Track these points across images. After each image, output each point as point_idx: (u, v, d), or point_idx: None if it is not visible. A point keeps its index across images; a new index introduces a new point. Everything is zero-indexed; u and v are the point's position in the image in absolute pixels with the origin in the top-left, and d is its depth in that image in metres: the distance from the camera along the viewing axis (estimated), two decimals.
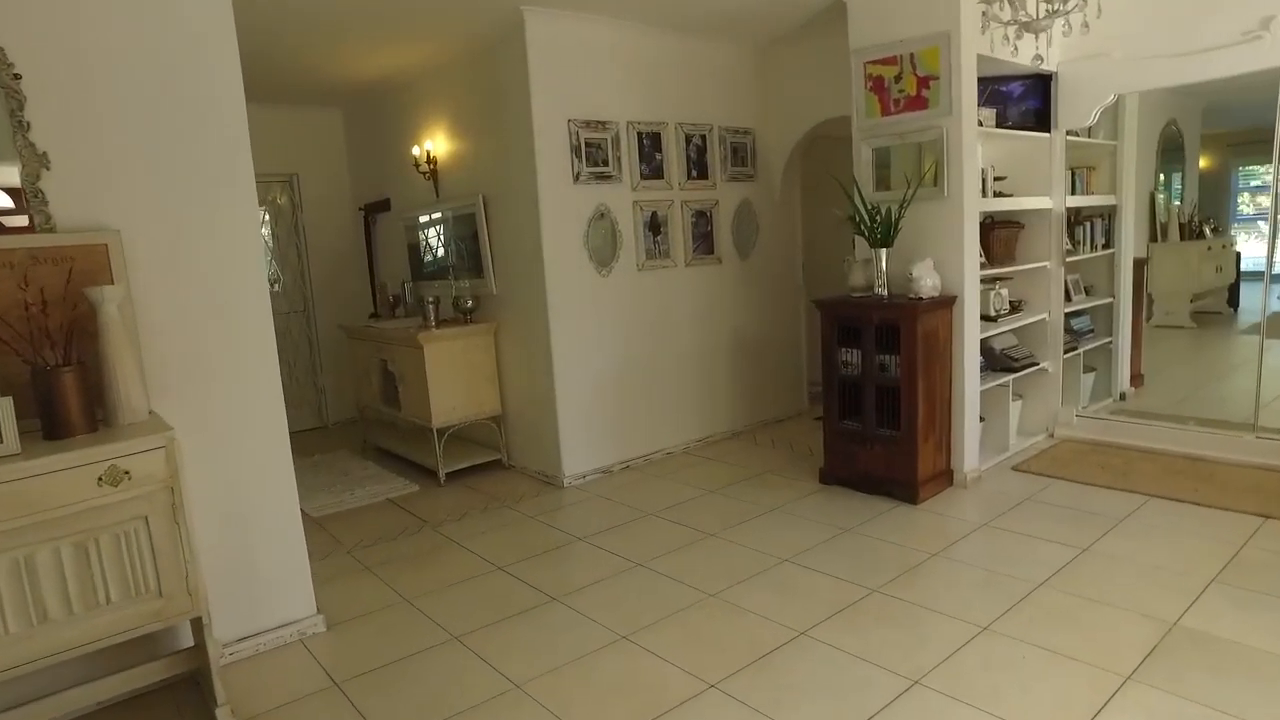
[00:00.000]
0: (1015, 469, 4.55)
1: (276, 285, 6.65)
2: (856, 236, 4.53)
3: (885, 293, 4.16)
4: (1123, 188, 5.42)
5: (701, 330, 5.40)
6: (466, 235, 5.23)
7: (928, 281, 4.05)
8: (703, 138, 5.28)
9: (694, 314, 5.34)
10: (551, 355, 4.64)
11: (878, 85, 4.30)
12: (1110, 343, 5.72)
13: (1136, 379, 5.88)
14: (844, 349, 4.31)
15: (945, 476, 4.28)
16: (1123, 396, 5.91)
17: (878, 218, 4.09)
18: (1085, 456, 4.67)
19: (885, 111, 4.30)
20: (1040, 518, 3.79)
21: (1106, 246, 5.52)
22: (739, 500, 4.34)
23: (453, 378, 4.93)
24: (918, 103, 4.15)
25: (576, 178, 4.64)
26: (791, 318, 6.05)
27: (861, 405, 4.25)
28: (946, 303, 4.11)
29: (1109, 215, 5.57)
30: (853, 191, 4.33)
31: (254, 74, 5.36)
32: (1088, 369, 5.50)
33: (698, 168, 5.26)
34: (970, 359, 4.27)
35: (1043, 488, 4.20)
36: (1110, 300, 5.59)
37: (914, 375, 3.99)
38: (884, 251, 4.12)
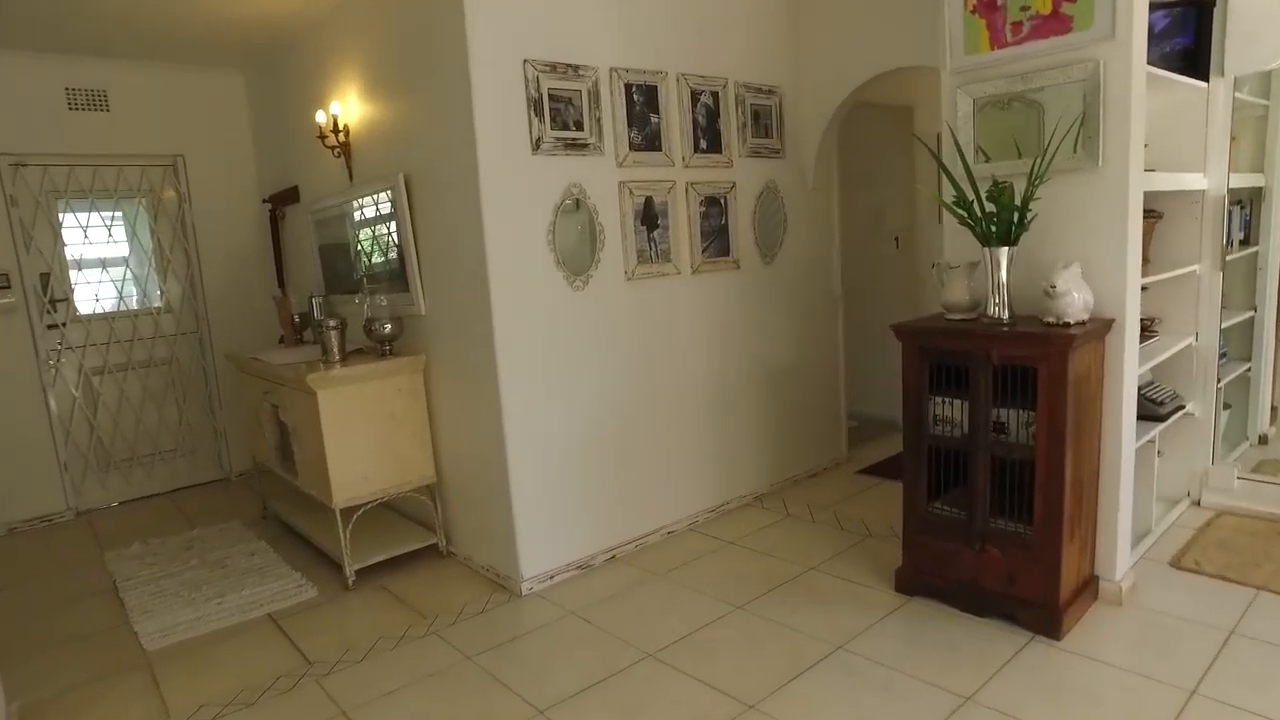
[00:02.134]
0: (1176, 566, 3.13)
1: (158, 300, 5.14)
2: (945, 231, 3.10)
3: (1004, 314, 2.73)
4: (1276, 165, 4.02)
5: (713, 359, 3.95)
6: (386, 232, 3.76)
7: (1077, 298, 2.62)
8: (714, 96, 3.83)
9: (703, 337, 3.89)
10: (500, 403, 3.17)
11: (986, 3, 2.87)
12: (1249, 370, 4.35)
13: (1272, 413, 4.52)
14: (939, 399, 2.87)
15: (1089, 588, 2.86)
16: (1263, 439, 4.54)
17: (998, 200, 2.65)
18: (1271, 543, 3.25)
19: (998, 42, 2.86)
20: (1271, 673, 2.37)
21: (1246, 243, 4.13)
22: (782, 626, 2.89)
23: (362, 436, 3.45)
24: (1054, 25, 2.72)
25: (537, 146, 3.18)
26: (827, 338, 4.61)
27: (967, 483, 2.81)
28: (1100, 330, 2.69)
29: (1252, 202, 4.18)
30: (951, 159, 2.90)
31: (115, 17, 3.86)
32: (1223, 405, 4.11)
33: (708, 137, 3.82)
34: (1129, 412, 2.84)
35: (1240, 604, 2.78)
36: (1251, 314, 4.20)
37: (1060, 442, 2.56)
38: (1004, 253, 2.69)
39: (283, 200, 4.98)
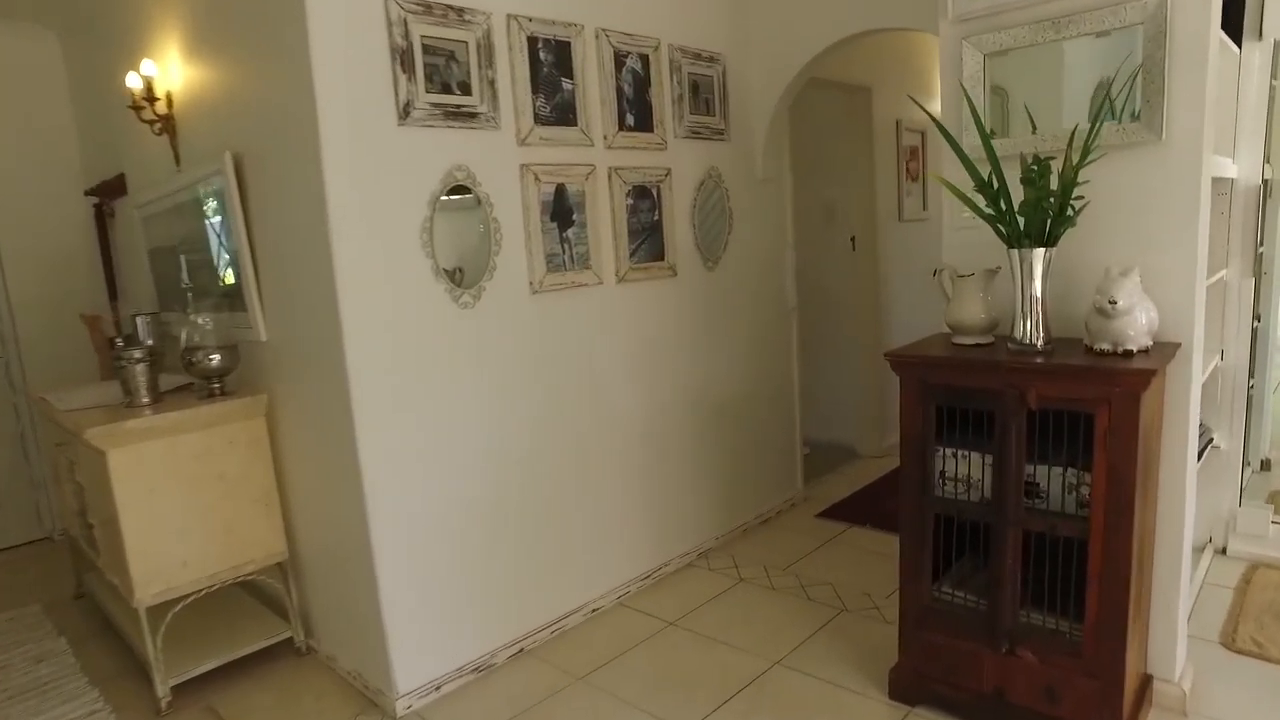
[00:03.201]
0: (1230, 648, 2.49)
1: None
2: (946, 229, 2.40)
3: (1039, 338, 2.02)
4: None
5: (644, 390, 3.17)
6: (211, 231, 2.86)
7: (1141, 317, 1.93)
8: (644, 61, 3.05)
9: (631, 363, 3.11)
10: (357, 458, 2.33)
11: None
12: (1252, 386, 3.80)
13: None
14: (949, 452, 2.15)
15: (1145, 694, 2.17)
16: (1265, 465, 4.02)
17: (1034, 184, 1.93)
18: None
19: None
20: None
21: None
22: None
23: (177, 507, 2.55)
24: None
25: (405, 113, 2.34)
26: (780, 358, 3.89)
27: (990, 563, 2.10)
28: (1162, 358, 2.00)
29: (1261, 196, 3.64)
30: (958, 132, 2.19)
31: None
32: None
33: (636, 112, 3.04)
34: (1191, 466, 2.17)
35: None
36: (1254, 323, 3.65)
37: (1125, 514, 1.86)
38: (1040, 257, 1.98)
39: (109, 192, 3.99)
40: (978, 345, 2.17)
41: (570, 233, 2.81)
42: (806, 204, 4.69)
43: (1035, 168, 1.88)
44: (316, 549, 2.74)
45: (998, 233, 2.04)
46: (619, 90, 2.96)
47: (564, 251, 2.80)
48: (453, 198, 2.50)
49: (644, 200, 3.08)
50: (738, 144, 3.52)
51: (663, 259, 3.18)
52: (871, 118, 4.48)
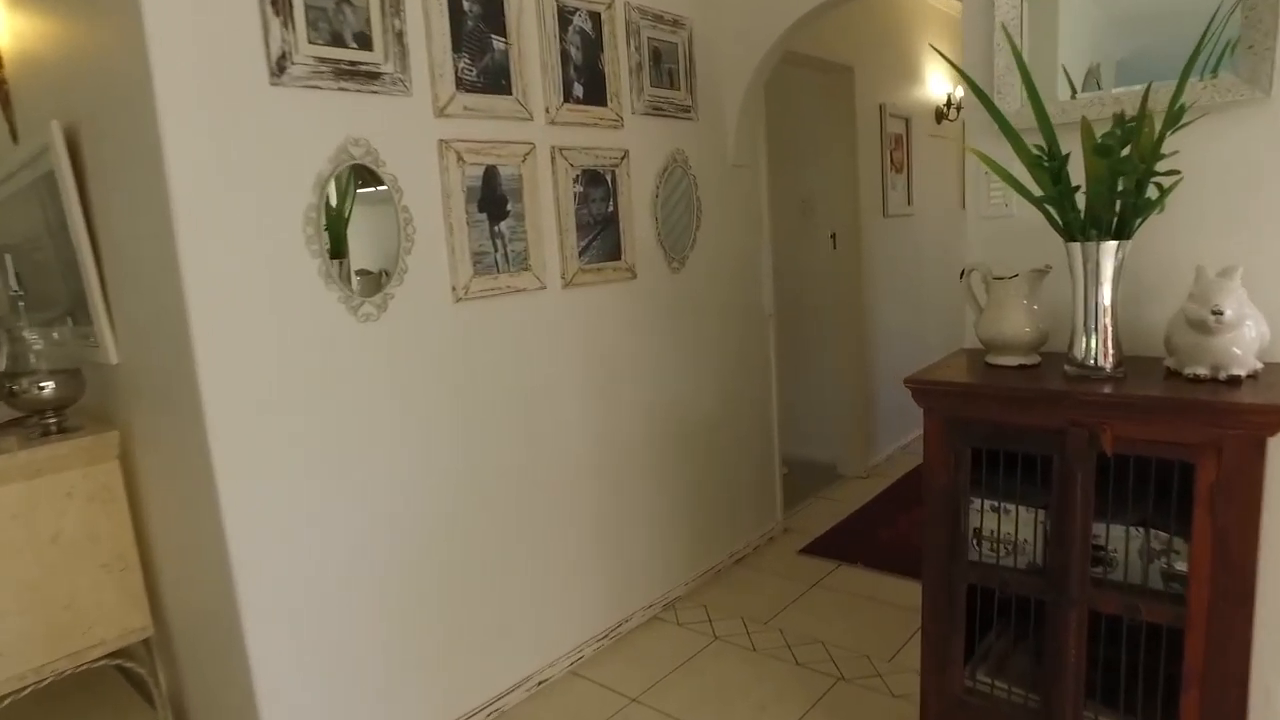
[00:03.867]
0: None
1: None
2: (970, 218, 1.92)
3: (1107, 359, 1.54)
4: None
5: (597, 415, 2.65)
6: (44, 223, 2.29)
7: (1248, 334, 1.45)
8: (595, 19, 2.53)
9: (584, 383, 2.59)
10: (220, 514, 1.77)
11: None
12: None
13: None
14: (987, 506, 1.66)
15: None
16: None
17: (1109, 155, 1.44)
18: None
19: None
20: None
21: None
22: None
23: None
24: None
25: (279, 70, 1.79)
26: (757, 372, 3.40)
27: (1046, 650, 1.61)
28: (1270, 385, 1.53)
29: None
30: (1001, 90, 1.70)
31: None
32: None
33: (586, 80, 2.52)
34: None
35: None
36: None
37: (1240, 599, 1.38)
38: (1112, 253, 1.49)
39: None
40: (1022, 367, 1.69)
41: (504, 226, 2.28)
42: (782, 197, 4.22)
43: (1120, 131, 1.39)
44: (188, 621, 2.17)
45: (1052, 222, 1.55)
46: (564, 53, 2.43)
47: (496, 249, 2.26)
48: (369, 190, 1.96)
49: (596, 188, 2.56)
50: (707, 124, 3.02)
51: (619, 258, 2.66)
52: (854, 101, 4.01)
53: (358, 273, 2.04)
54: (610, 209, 2.61)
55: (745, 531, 3.37)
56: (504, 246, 2.28)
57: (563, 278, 2.46)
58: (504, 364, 2.32)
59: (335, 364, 1.93)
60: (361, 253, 2.04)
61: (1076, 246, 1.53)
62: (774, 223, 3.50)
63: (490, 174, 2.24)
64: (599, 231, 2.57)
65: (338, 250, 2.03)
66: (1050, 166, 1.44)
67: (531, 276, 2.36)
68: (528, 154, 2.32)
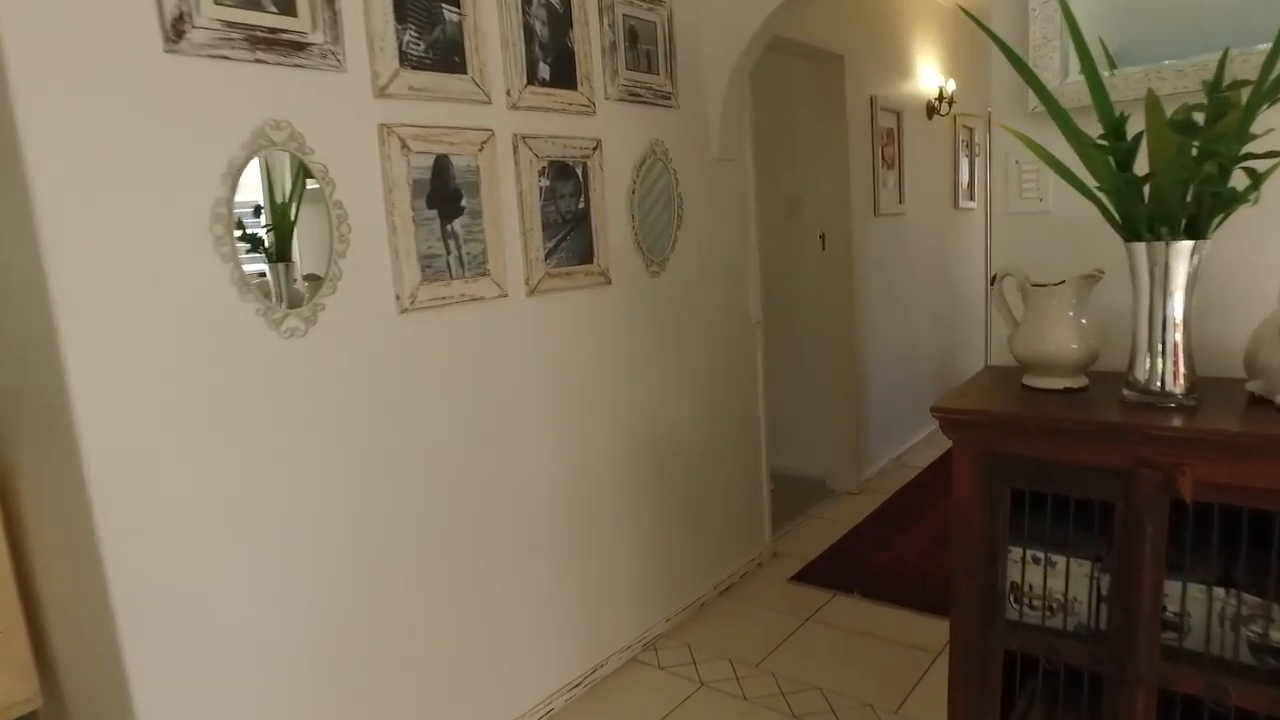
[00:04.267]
0: None
1: None
2: (998, 216, 1.66)
3: (1180, 385, 1.27)
4: None
5: (571, 438, 2.36)
6: None
7: None
8: None
9: (552, 403, 2.30)
10: (104, 573, 1.46)
11: None
12: None
13: None
14: (1029, 556, 1.39)
15: None
16: None
17: (1209, 137, 1.17)
18: None
19: None
20: None
21: None
22: None
23: None
24: None
25: (176, 34, 1.48)
26: (744, 384, 3.12)
27: None
28: None
29: None
30: (1041, 56, 1.43)
31: None
32: None
33: (553, 60, 2.23)
34: None
35: None
36: None
37: None
38: (1184, 255, 1.23)
39: None
40: (1068, 391, 1.42)
41: (458, 225, 1.99)
42: (767, 195, 3.95)
43: (1213, 102, 1.12)
44: (79, 689, 1.85)
45: (1110, 218, 1.29)
46: (528, 28, 2.14)
47: (449, 251, 1.97)
48: (267, 166, 1.65)
49: (565, 181, 2.27)
50: (688, 113, 2.74)
51: (591, 261, 2.37)
52: (844, 92, 3.75)
53: (307, 278, 1.74)
54: (581, 206, 2.32)
55: (731, 558, 3.09)
56: (458, 248, 1.99)
57: (526, 284, 2.17)
58: (459, 384, 2.02)
59: (251, 391, 1.63)
60: (310, 257, 1.75)
61: (1141, 247, 1.26)
62: (759, 222, 3.23)
63: (441, 165, 1.94)
64: (568, 231, 2.28)
65: (283, 253, 1.74)
66: (1118, 149, 1.17)
67: (490, 283, 2.06)
68: (485, 142, 2.03)
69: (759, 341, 3.18)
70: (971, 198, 5.27)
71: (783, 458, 4.14)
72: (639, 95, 2.51)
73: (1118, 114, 1.18)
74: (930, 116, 4.60)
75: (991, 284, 1.54)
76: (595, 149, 2.35)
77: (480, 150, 2.02)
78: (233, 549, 1.61)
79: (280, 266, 1.76)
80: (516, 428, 2.18)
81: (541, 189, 2.19)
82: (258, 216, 1.74)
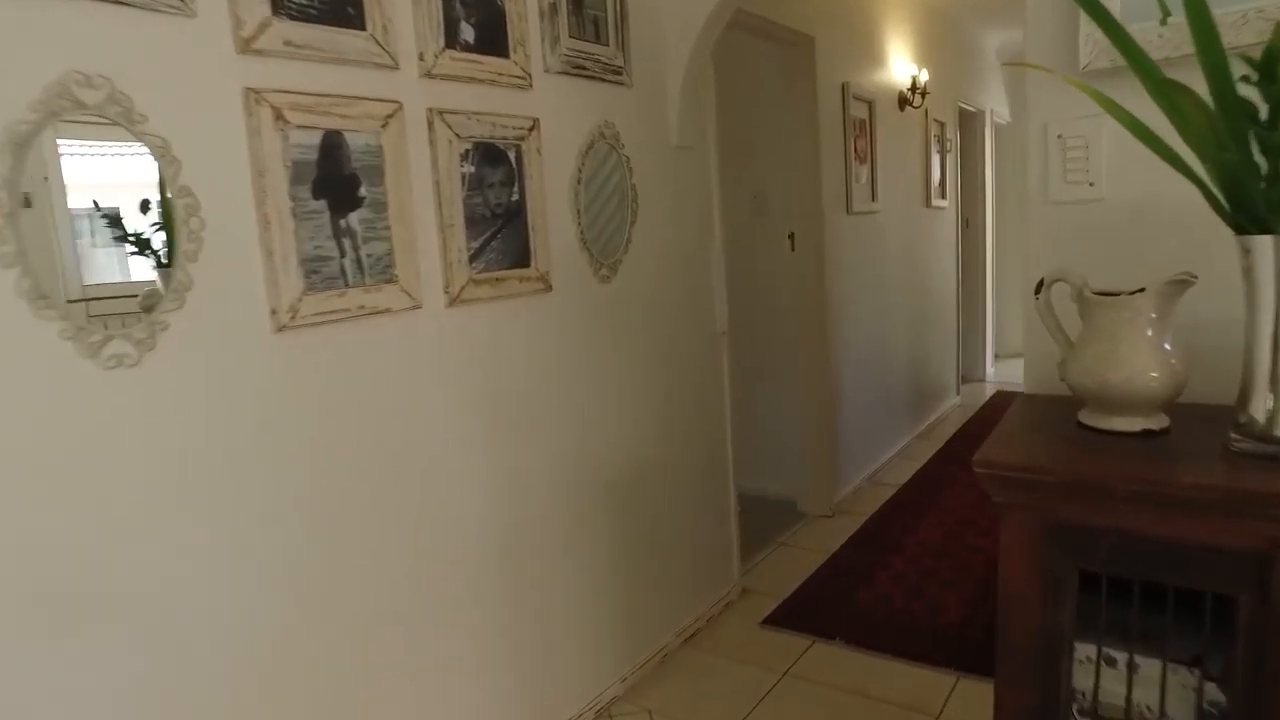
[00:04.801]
0: None
1: None
2: (1034, 214, 1.31)
3: None
4: None
5: (502, 477, 1.96)
6: None
7: None
8: None
9: (479, 437, 1.90)
10: None
11: None
12: None
13: None
14: (1105, 656, 1.04)
15: None
16: None
17: None
18: None
19: None
20: None
21: None
22: None
23: None
24: None
25: None
26: (709, 404, 2.75)
27: None
28: None
29: None
30: (1055, 33, 1.09)
31: None
32: None
33: (478, 20, 1.83)
34: None
35: None
36: None
37: None
38: None
39: None
40: (1147, 434, 1.07)
41: (355, 220, 1.58)
42: (731, 190, 3.59)
43: None
44: None
45: (1219, 207, 0.94)
46: None
47: (343, 253, 1.56)
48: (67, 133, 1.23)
49: (494, 168, 1.87)
50: (643, 92, 2.37)
51: (527, 264, 1.98)
52: (815, 78, 3.41)
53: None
54: (514, 198, 1.93)
55: (696, 600, 2.72)
56: (355, 249, 1.58)
57: (446, 292, 1.77)
58: (358, 419, 1.61)
59: (59, 441, 1.20)
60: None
61: (1265, 241, 0.91)
62: (723, 220, 2.87)
63: (331, 143, 1.53)
64: (499, 228, 1.89)
65: (174, 255, 1.33)
66: (1270, 92, 0.82)
67: (399, 291, 1.66)
68: (391, 116, 1.63)
69: (725, 353, 2.82)
70: (944, 196, 4.99)
71: (750, 477, 3.77)
72: (585, 68, 2.13)
73: (1268, 45, 0.83)
74: (902, 108, 4.30)
75: (1037, 293, 1.18)
76: (532, 129, 1.96)
77: (384, 127, 1.62)
78: (58, 638, 1.19)
79: (164, 273, 1.35)
80: (434, 468, 1.78)
81: (465, 176, 1.79)
82: (145, 212, 1.34)
